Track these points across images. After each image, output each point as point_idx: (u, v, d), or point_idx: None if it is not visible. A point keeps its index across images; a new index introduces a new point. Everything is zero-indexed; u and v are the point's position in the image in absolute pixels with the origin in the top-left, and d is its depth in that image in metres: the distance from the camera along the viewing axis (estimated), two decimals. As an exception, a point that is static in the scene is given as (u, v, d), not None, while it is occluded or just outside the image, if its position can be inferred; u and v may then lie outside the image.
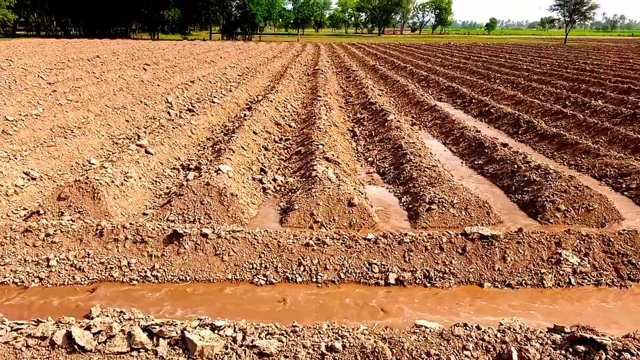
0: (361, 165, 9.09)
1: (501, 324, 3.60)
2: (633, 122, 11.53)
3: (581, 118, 11.83)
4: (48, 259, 4.98)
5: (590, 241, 5.29)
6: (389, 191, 7.68)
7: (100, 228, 5.28)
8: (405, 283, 4.91)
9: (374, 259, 5.12)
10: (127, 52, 30.65)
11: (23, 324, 3.44)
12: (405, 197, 7.26)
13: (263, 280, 4.91)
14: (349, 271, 5.03)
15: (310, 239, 5.29)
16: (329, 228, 6.06)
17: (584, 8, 78.87)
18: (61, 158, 8.10)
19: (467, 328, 3.52)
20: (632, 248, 5.23)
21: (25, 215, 6.17)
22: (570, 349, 3.24)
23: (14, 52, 27.28)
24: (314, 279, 4.94)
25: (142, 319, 3.61)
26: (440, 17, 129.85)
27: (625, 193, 7.44)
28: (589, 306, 4.59)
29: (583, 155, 9.08)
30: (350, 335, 3.45)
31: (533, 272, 5.00)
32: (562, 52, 41.15)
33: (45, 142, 8.89)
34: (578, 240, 5.29)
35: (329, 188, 6.61)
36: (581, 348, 3.22)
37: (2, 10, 50.89)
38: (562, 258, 5.08)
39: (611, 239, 5.31)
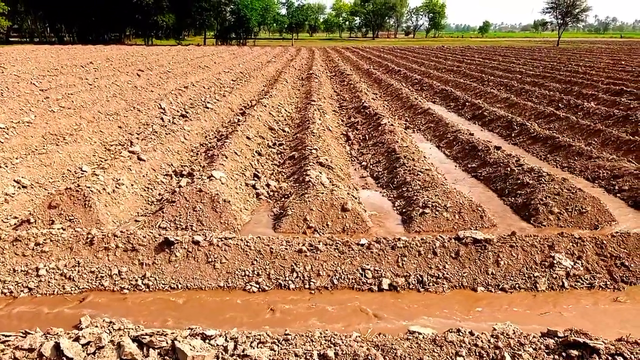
0: (355, 170, 9.07)
1: (494, 329, 3.58)
2: (625, 123, 11.58)
3: (574, 120, 11.87)
4: (38, 268, 4.92)
5: (583, 244, 5.28)
6: (383, 195, 7.67)
7: (90, 236, 5.23)
8: (398, 288, 4.88)
9: (368, 265, 5.10)
10: (121, 58, 30.58)
11: (10, 335, 3.39)
12: (398, 201, 7.25)
13: (255, 287, 4.87)
14: (343, 277, 5.00)
15: (303, 245, 5.26)
16: (323, 234, 6.03)
17: (576, 10, 79.53)
18: (53, 165, 8.04)
19: (460, 334, 3.50)
20: (625, 250, 5.22)
21: (15, 224, 6.11)
22: (564, 354, 3.22)
23: (6, 59, 27.17)
24: (307, 286, 4.91)
25: (132, 329, 3.57)
26: (434, 20, 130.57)
27: (618, 195, 7.45)
28: (582, 310, 4.57)
29: (576, 158, 9.11)
30: (342, 343, 3.42)
31: (526, 275, 4.99)
32: (555, 54, 41.37)
33: (36, 149, 8.83)
34: (571, 243, 5.28)
35: (323, 193, 6.58)
36: (574, 352, 3.21)
37: (-5, 17, 50.75)
38: (555, 261, 5.07)
39: (604, 241, 5.31)
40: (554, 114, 12.84)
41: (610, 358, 3.16)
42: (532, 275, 4.99)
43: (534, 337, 3.45)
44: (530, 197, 6.91)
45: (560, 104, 14.73)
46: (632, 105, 13.41)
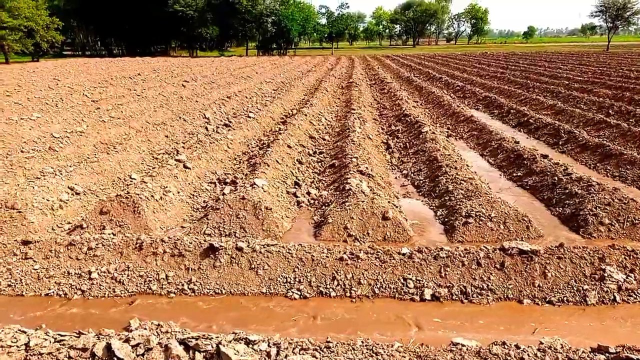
0: (395, 178, 9.02)
1: (541, 343, 3.48)
2: (682, 130, 11.01)
3: (625, 127, 11.39)
4: (90, 272, 5.15)
5: (636, 256, 5.06)
6: (424, 204, 7.59)
7: (139, 242, 5.42)
8: (441, 299, 4.81)
9: (409, 274, 5.06)
10: (167, 69, 31.62)
11: (65, 335, 3.56)
12: (441, 210, 7.15)
13: (297, 294, 4.92)
14: (384, 286, 4.98)
15: (344, 253, 5.27)
16: (363, 242, 6.03)
17: (628, 13, 76.32)
18: (104, 173, 8.40)
19: (506, 347, 3.42)
20: (683, 264, 4.97)
21: (69, 229, 6.41)
22: (616, 371, 3.10)
23: (60, 72, 28.60)
24: (348, 294, 4.92)
25: (179, 332, 3.68)
26: (476, 26, 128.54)
27: (674, 206, 7.09)
28: (635, 325, 4.38)
29: (628, 166, 8.73)
30: (384, 352, 3.41)
31: (575, 288, 4.82)
32: (604, 59, 39.87)
33: (88, 157, 9.24)
34: (623, 256, 5.07)
35: (363, 201, 6.58)
36: (628, 370, 3.08)
37: (50, 32, 53.70)
38: (606, 274, 4.88)
39: (659, 254, 5.07)
40: (604, 121, 12.37)
41: (667, 377, 3.02)
42: (581, 288, 4.82)
43: (583, 352, 3.33)
44: (579, 208, 6.68)
45: (610, 111, 14.18)
46: (689, 112, 12.76)
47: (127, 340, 3.44)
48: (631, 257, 5.07)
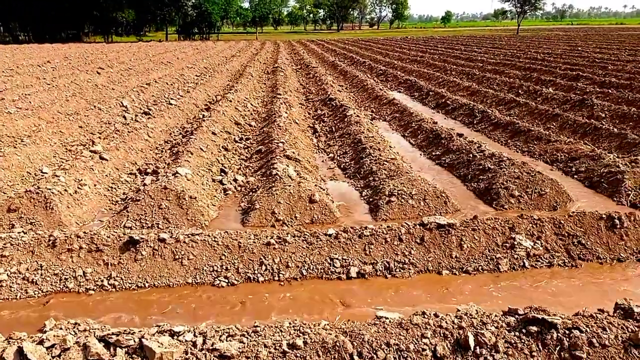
0: (322, 161, 9.12)
1: (458, 310, 3.68)
2: (582, 107, 11.99)
3: (533, 106, 12.22)
4: (-2, 273, 4.78)
5: (542, 225, 5.47)
6: (350, 185, 7.74)
7: (52, 239, 5.11)
8: (366, 276, 4.96)
9: (336, 254, 5.15)
10: (80, 56, 29.72)
11: (-30, 343, 3.30)
12: (365, 190, 7.33)
13: (224, 282, 4.87)
14: (311, 268, 5.04)
15: (271, 237, 5.27)
16: (291, 226, 6.06)
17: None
18: (11, 168, 7.78)
19: (426, 316, 3.59)
20: (582, 229, 5.44)
21: (-28, 230, 5.90)
22: (524, 330, 3.35)
23: (-43, 60, 26.04)
24: (276, 278, 4.93)
25: (98, 329, 3.53)
26: (397, 11, 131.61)
27: (575, 176, 7.74)
28: (542, 287, 4.75)
29: (535, 142, 9.39)
30: (311, 331, 3.47)
31: (489, 257, 5.15)
32: (514, 42, 42.33)
33: (-7, 152, 8.51)
34: (531, 225, 5.47)
35: (290, 186, 6.60)
36: (534, 328, 3.34)
37: (-58, 16, 48.57)
38: (516, 242, 5.24)
39: (562, 221, 5.51)
40: (514, 101, 13.18)
41: (567, 332, 3.30)
42: (494, 257, 5.15)
43: (495, 315, 3.57)
44: (492, 182, 7.10)
45: (520, 91, 15.13)
46: (587, 90, 13.90)
47: (41, 342, 3.25)
48: (538, 225, 5.48)
